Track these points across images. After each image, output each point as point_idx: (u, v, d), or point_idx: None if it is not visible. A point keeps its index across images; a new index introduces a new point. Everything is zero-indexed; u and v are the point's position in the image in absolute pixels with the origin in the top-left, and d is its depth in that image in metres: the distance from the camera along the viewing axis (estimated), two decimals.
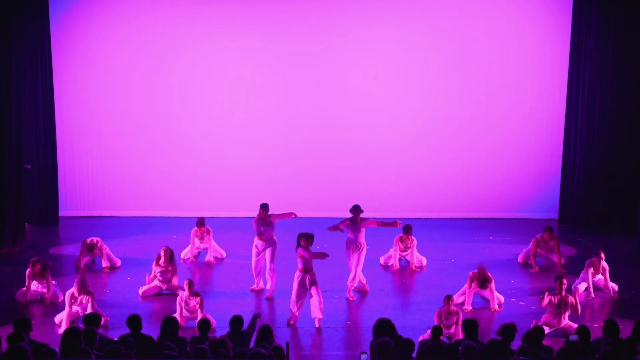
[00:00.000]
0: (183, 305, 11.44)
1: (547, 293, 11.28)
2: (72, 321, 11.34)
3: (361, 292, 13.06)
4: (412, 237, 14.26)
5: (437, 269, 14.29)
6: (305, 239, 11.57)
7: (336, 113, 17.73)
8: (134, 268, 14.17)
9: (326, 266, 13.19)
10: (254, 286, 13.20)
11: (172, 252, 12.90)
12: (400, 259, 14.34)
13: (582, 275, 12.97)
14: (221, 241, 15.06)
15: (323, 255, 11.65)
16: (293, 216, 13.09)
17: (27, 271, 12.51)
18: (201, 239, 14.61)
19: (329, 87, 17.70)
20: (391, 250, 14.41)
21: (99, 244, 14.12)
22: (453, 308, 10.94)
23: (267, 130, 17.83)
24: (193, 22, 17.47)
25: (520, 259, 14.63)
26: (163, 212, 17.86)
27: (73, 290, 11.46)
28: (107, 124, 17.78)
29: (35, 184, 17.12)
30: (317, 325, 11.55)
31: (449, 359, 8.51)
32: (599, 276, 12.87)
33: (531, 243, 14.34)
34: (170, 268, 12.80)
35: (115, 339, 9.06)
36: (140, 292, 12.88)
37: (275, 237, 13.13)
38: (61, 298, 12.36)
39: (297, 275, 11.67)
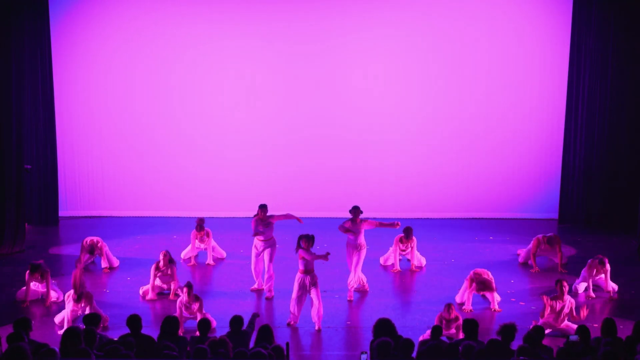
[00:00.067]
0: (183, 308, 11.42)
1: (546, 299, 11.24)
2: (72, 320, 11.32)
3: (361, 292, 13.06)
4: (413, 236, 14.25)
5: (437, 269, 14.29)
6: (306, 240, 11.57)
7: (336, 113, 17.73)
8: (134, 268, 14.18)
9: (326, 266, 13.19)
10: (254, 286, 13.20)
11: (170, 256, 12.85)
12: (400, 259, 14.33)
13: (583, 274, 12.95)
14: (221, 241, 15.05)
15: (325, 257, 11.64)
16: (297, 220, 12.96)
17: (27, 273, 12.50)
18: (201, 240, 14.60)
19: (329, 87, 17.70)
20: (390, 249, 14.38)
21: (99, 244, 14.11)
22: (453, 315, 10.88)
23: (267, 130, 17.83)
24: (193, 22, 17.47)
25: (521, 259, 14.62)
26: (163, 212, 17.86)
27: (72, 291, 11.43)
28: (107, 124, 17.78)
29: (35, 184, 17.11)
30: (317, 326, 11.55)
31: (449, 359, 8.51)
32: (601, 275, 12.86)
33: (532, 243, 14.32)
34: (170, 272, 12.78)
35: (115, 339, 9.06)
36: (140, 292, 12.87)
37: (274, 238, 13.13)
38: (61, 298, 12.37)
39: (297, 276, 11.67)
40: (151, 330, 10.65)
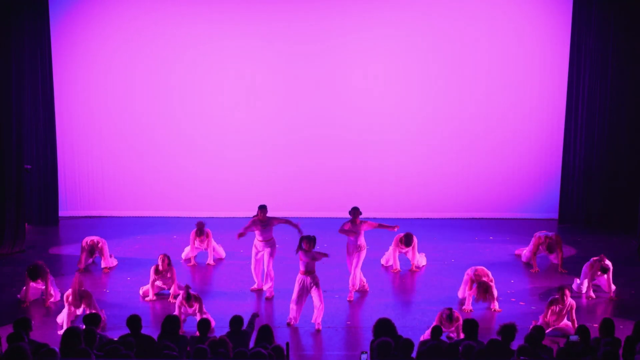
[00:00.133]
0: (183, 310, 11.40)
1: (549, 307, 11.22)
2: (72, 320, 11.32)
3: (361, 292, 13.06)
4: (413, 242, 14.20)
5: (437, 269, 14.29)
6: (307, 241, 11.58)
7: (336, 113, 17.73)
8: (134, 268, 14.18)
9: (326, 266, 13.19)
10: (254, 286, 13.20)
11: (169, 258, 12.80)
12: (398, 258, 14.31)
13: (584, 270, 12.94)
14: (221, 241, 15.04)
15: (321, 255, 11.65)
16: (297, 229, 12.81)
17: (26, 275, 12.50)
18: (201, 241, 14.58)
19: (329, 87, 17.69)
20: (390, 248, 14.37)
21: (99, 245, 14.09)
22: (454, 325, 10.80)
23: (267, 130, 17.82)
24: (193, 22, 17.47)
25: (524, 258, 14.59)
26: (163, 212, 17.86)
27: (70, 294, 11.38)
28: (107, 124, 17.78)
29: (35, 184, 17.12)
30: (317, 326, 11.55)
31: (449, 359, 8.52)
32: (603, 276, 12.84)
33: (532, 241, 14.28)
34: (169, 275, 12.75)
35: (115, 339, 9.06)
36: (140, 292, 12.87)
37: (274, 238, 13.13)
38: (58, 297, 12.37)
39: (298, 277, 11.68)
40: (151, 330, 10.66)
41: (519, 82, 17.61)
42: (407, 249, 14.23)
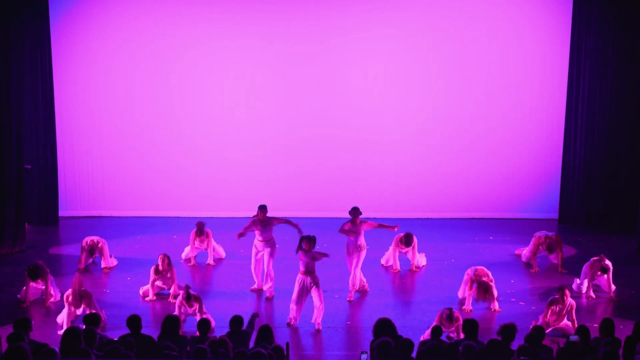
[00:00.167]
0: (183, 310, 11.39)
1: (549, 307, 11.20)
2: (72, 320, 11.32)
3: (361, 292, 13.06)
4: (413, 242, 14.19)
5: (437, 269, 14.29)
6: (307, 241, 11.58)
7: (336, 113, 17.73)
8: (134, 268, 14.18)
9: (326, 266, 13.19)
10: (254, 286, 13.20)
11: (169, 258, 12.78)
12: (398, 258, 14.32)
13: (584, 270, 12.94)
14: (221, 241, 15.04)
15: (321, 255, 11.65)
16: (297, 229, 12.83)
17: (26, 276, 12.48)
18: (201, 241, 14.58)
19: (329, 87, 17.69)
20: (390, 248, 14.36)
21: (99, 245, 14.08)
22: (454, 325, 10.78)
23: (267, 130, 17.82)
24: (193, 22, 17.47)
25: (524, 258, 14.59)
26: (163, 212, 17.86)
27: (70, 294, 11.37)
28: (107, 124, 17.78)
29: (35, 184, 17.11)
30: (317, 326, 11.55)
31: (449, 359, 8.52)
32: (603, 276, 12.83)
33: (533, 241, 14.26)
34: (169, 275, 12.73)
35: (115, 339, 9.06)
36: (140, 292, 12.86)
37: (274, 238, 13.13)
38: (58, 297, 12.36)
39: (298, 277, 11.69)
40: (151, 330, 10.66)
41: (519, 82, 17.61)
42: (407, 249, 14.22)
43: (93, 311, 10.87)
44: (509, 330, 8.88)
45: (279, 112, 17.82)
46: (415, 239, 14.19)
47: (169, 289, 12.78)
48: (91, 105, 17.71)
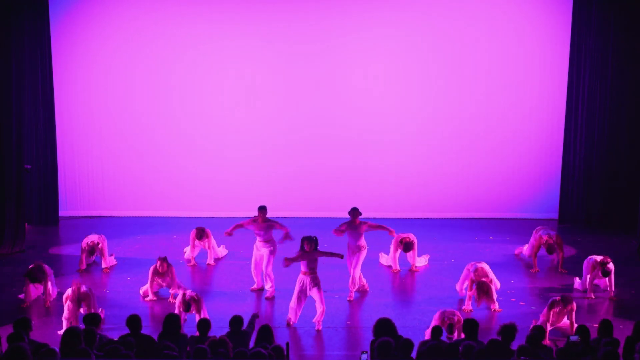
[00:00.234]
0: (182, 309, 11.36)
1: (550, 309, 11.13)
2: (72, 321, 11.30)
3: (361, 292, 13.05)
4: (413, 244, 14.16)
5: (437, 269, 14.29)
6: (309, 242, 11.58)
7: (336, 113, 17.73)
8: (134, 268, 14.17)
9: (326, 266, 13.19)
10: (254, 286, 13.20)
11: (167, 261, 12.68)
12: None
13: (585, 267, 12.94)
14: (221, 241, 15.04)
15: (333, 255, 11.67)
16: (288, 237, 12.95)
17: (26, 280, 12.46)
18: (201, 243, 14.55)
19: (329, 87, 17.70)
20: (391, 248, 14.35)
21: (99, 245, 14.06)
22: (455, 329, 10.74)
23: (267, 130, 17.82)
24: (193, 22, 17.47)
25: (526, 254, 14.55)
26: (163, 212, 17.86)
27: (69, 295, 11.34)
28: (107, 124, 17.78)
29: (35, 184, 17.12)
30: (317, 327, 11.55)
31: (449, 359, 8.51)
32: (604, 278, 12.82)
33: (535, 242, 14.20)
34: (169, 278, 12.68)
35: (115, 339, 9.06)
36: (141, 292, 12.84)
37: (274, 239, 13.12)
38: (55, 294, 12.35)
39: (299, 277, 11.68)
40: (151, 330, 10.66)
41: (519, 82, 17.61)
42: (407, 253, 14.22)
43: (93, 311, 10.88)
44: (509, 330, 8.88)
45: (279, 112, 17.82)
46: (415, 244, 14.13)
47: (169, 286, 12.72)
48: (91, 105, 17.71)
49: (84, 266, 14.06)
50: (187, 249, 14.73)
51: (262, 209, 13.03)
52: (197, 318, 11.01)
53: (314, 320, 11.59)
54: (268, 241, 13.01)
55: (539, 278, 13.85)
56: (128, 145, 17.85)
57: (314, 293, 11.56)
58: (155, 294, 12.73)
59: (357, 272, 12.91)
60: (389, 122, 17.76)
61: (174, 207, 17.87)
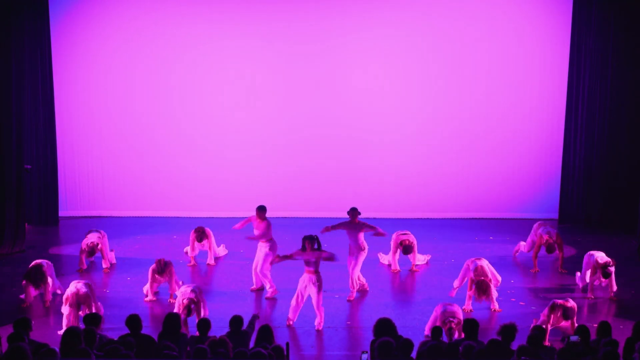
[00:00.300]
0: (176, 302, 11.35)
1: (550, 312, 11.08)
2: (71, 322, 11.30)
3: (361, 292, 13.05)
4: (412, 247, 14.15)
5: (437, 269, 14.30)
6: (310, 241, 11.59)
7: (336, 113, 17.73)
8: (134, 268, 14.17)
9: (326, 266, 13.15)
10: (253, 286, 13.19)
11: (165, 263, 12.61)
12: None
13: (585, 262, 12.95)
14: (221, 241, 15.05)
15: (327, 256, 11.66)
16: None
17: (23, 283, 12.45)
18: (201, 244, 14.53)
19: (329, 87, 17.70)
20: (391, 248, 14.34)
21: (99, 246, 14.03)
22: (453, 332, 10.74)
23: (267, 130, 17.83)
24: (193, 22, 17.47)
25: (525, 249, 14.54)
26: (163, 212, 17.86)
27: (68, 297, 11.32)
28: (107, 124, 17.78)
29: (35, 184, 17.12)
30: (317, 327, 11.54)
31: (449, 359, 8.51)
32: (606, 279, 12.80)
33: (535, 240, 14.17)
34: (167, 277, 12.64)
35: (115, 339, 9.06)
36: (144, 290, 12.78)
37: (274, 238, 13.12)
38: (61, 290, 12.34)
39: (302, 277, 11.68)
40: (151, 330, 10.66)
41: (519, 82, 17.61)
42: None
43: (94, 311, 10.89)
44: (509, 330, 8.88)
45: (279, 112, 17.82)
46: (414, 246, 14.11)
47: (169, 284, 12.65)
48: (91, 105, 17.72)
49: (84, 266, 14.06)
50: (188, 249, 14.71)
51: (260, 209, 13.05)
52: (197, 318, 11.03)
53: (316, 324, 11.57)
54: (268, 240, 13.00)
55: (539, 278, 13.85)
56: (128, 145, 17.85)
57: (312, 292, 11.53)
58: (155, 294, 12.73)
59: (356, 273, 12.90)
60: (389, 122, 17.76)
61: (174, 207, 17.87)
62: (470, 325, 9.29)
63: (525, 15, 17.46)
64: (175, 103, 17.78)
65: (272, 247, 13.02)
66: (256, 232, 13.06)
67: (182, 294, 11.34)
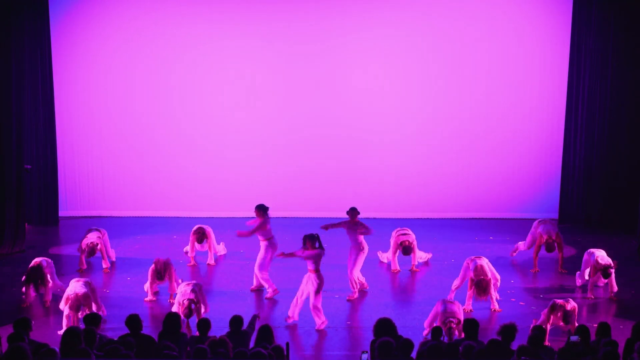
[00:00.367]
0: (177, 302, 11.35)
1: (550, 312, 11.05)
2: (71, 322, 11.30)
3: (361, 292, 13.04)
4: (411, 236, 14.16)
5: (437, 269, 14.30)
6: (310, 240, 11.59)
7: (336, 113, 17.73)
8: (134, 268, 14.17)
9: (326, 266, 13.14)
10: (253, 286, 13.18)
11: (164, 264, 12.58)
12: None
13: (584, 260, 12.95)
14: (220, 239, 15.04)
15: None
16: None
17: (23, 279, 12.45)
18: (201, 245, 14.52)
19: (329, 87, 17.70)
20: (390, 249, 14.34)
21: (98, 246, 14.01)
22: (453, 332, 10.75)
23: (267, 130, 17.82)
24: (193, 22, 17.47)
25: (524, 247, 14.53)
26: (163, 212, 17.86)
27: (68, 298, 11.32)
28: (107, 124, 17.78)
29: (35, 184, 17.11)
30: (317, 327, 11.54)
31: (449, 359, 8.51)
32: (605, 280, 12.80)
33: (535, 240, 14.16)
34: (167, 277, 12.64)
35: (115, 339, 9.06)
36: (145, 288, 12.77)
37: (275, 237, 13.12)
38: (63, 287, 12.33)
39: (305, 275, 11.69)
40: (151, 330, 10.66)
41: (519, 82, 17.61)
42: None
43: (95, 310, 10.89)
44: (509, 330, 8.88)
45: (279, 112, 17.82)
46: (414, 247, 14.09)
47: (170, 282, 12.64)
48: (91, 105, 17.71)
49: (84, 266, 14.06)
50: (188, 248, 14.71)
51: (261, 208, 13.05)
52: (197, 318, 11.03)
53: (317, 328, 11.56)
54: (269, 239, 12.99)
55: (539, 278, 13.85)
56: (128, 145, 17.85)
57: (310, 292, 11.50)
58: (155, 294, 12.72)
59: (355, 273, 12.89)
60: (389, 122, 17.76)
61: (174, 207, 17.86)
62: (470, 325, 9.29)
63: (525, 15, 17.46)
64: (175, 103, 17.77)
65: (268, 247, 12.98)
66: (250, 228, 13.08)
67: (182, 293, 11.33)
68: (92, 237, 14.07)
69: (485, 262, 12.40)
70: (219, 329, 10.66)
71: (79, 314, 11.18)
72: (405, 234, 14.15)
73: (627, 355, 8.78)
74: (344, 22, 17.49)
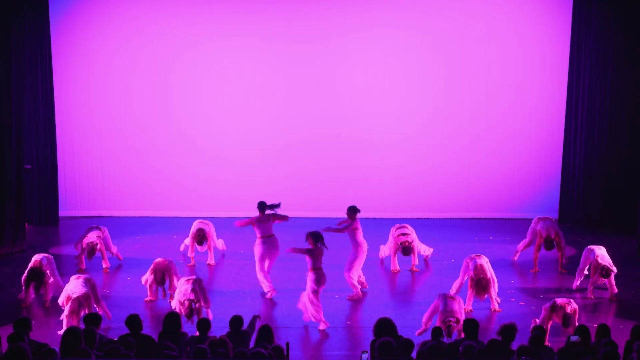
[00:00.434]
0: (181, 305, 11.34)
1: (550, 313, 11.02)
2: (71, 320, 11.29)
3: (361, 291, 13.04)
4: (410, 236, 14.15)
5: (437, 269, 14.30)
6: (312, 237, 11.61)
7: (336, 113, 17.73)
8: (134, 268, 14.16)
9: (326, 266, 13.13)
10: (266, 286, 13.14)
11: (161, 272, 12.64)
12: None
13: (583, 256, 12.94)
14: (220, 236, 15.03)
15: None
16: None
17: (23, 278, 12.44)
18: (201, 247, 14.51)
19: (329, 87, 17.70)
20: (390, 249, 14.33)
21: (98, 246, 13.99)
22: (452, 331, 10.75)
23: (267, 130, 17.83)
24: (193, 22, 17.48)
25: (521, 246, 14.52)
26: (163, 212, 17.86)
27: (68, 299, 11.31)
28: (107, 124, 17.79)
29: (35, 184, 17.12)
30: (319, 326, 11.54)
31: (449, 359, 8.51)
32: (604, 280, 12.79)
33: (535, 239, 14.14)
34: (167, 277, 12.63)
35: (115, 339, 9.06)
36: (142, 280, 12.75)
37: (275, 235, 13.12)
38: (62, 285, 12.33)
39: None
40: (151, 330, 10.66)
41: (519, 82, 17.61)
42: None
43: (95, 309, 10.89)
44: (509, 330, 8.88)
45: (279, 112, 17.82)
46: (414, 247, 14.08)
47: (170, 280, 12.62)
48: (91, 105, 17.72)
49: (83, 266, 14.06)
50: (183, 246, 14.69)
51: (263, 206, 13.06)
52: (197, 318, 11.03)
53: (318, 328, 11.56)
54: (269, 238, 12.99)
55: (539, 278, 13.84)
56: (128, 145, 17.85)
57: (307, 289, 11.50)
58: (155, 294, 12.72)
59: (356, 273, 12.88)
60: (389, 122, 17.76)
61: (174, 207, 17.86)
62: (470, 325, 9.29)
63: (525, 15, 17.46)
64: (175, 103, 17.78)
65: (274, 245, 13.01)
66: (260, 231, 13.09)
67: (182, 293, 11.31)
68: (92, 237, 14.05)
69: (485, 261, 12.38)
70: (219, 329, 10.66)
71: (80, 313, 11.18)
72: (405, 234, 14.12)
73: (627, 356, 8.77)
74: (344, 22, 17.49)
